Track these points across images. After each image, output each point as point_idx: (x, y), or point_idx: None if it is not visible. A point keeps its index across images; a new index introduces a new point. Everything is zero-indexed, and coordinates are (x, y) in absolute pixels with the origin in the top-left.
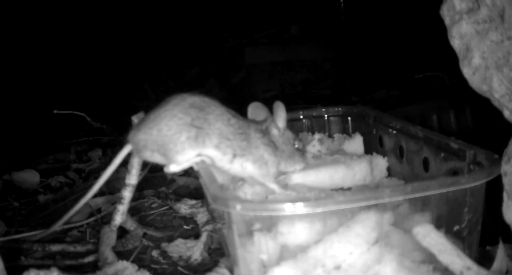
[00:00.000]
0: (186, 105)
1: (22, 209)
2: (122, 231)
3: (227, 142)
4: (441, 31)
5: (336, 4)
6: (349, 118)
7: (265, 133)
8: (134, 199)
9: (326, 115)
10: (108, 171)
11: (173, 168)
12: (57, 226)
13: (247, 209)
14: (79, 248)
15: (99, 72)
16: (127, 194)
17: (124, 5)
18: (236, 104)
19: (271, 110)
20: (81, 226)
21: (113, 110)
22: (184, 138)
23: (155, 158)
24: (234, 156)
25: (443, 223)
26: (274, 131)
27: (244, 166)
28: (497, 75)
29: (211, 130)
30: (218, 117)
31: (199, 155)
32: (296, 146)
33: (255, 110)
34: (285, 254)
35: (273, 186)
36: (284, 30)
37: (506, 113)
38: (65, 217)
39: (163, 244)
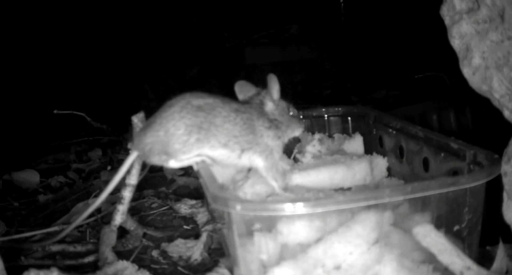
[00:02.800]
0: (194, 108)
1: (22, 209)
2: (122, 231)
3: (234, 139)
4: (441, 31)
5: (336, 4)
6: (349, 118)
7: (263, 112)
8: (134, 199)
9: (326, 115)
10: (115, 180)
11: (172, 164)
12: (61, 236)
13: (247, 209)
14: (79, 248)
15: (99, 72)
16: (127, 194)
17: (124, 5)
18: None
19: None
20: (81, 226)
21: (113, 110)
22: (194, 140)
23: (162, 161)
24: (242, 150)
25: (443, 223)
26: (269, 104)
27: (252, 159)
28: (497, 75)
29: (218, 132)
30: (225, 118)
31: (199, 154)
32: (291, 113)
33: (242, 87)
34: (285, 254)
35: (274, 184)
36: (284, 30)
37: (506, 113)
38: (70, 227)
39: (163, 244)
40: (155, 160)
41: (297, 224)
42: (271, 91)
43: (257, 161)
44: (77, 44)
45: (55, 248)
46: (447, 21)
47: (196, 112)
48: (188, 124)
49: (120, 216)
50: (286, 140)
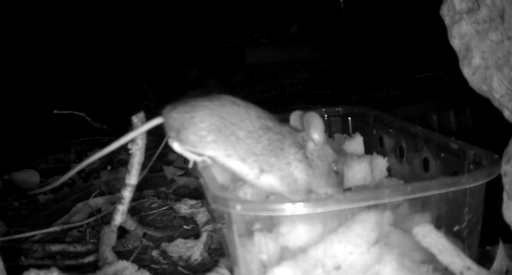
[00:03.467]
0: (228, 113)
1: (22, 209)
2: (122, 231)
3: (253, 157)
4: (441, 31)
5: (336, 4)
6: (349, 118)
7: (302, 146)
8: (134, 199)
9: (326, 115)
10: (130, 135)
11: (176, 147)
12: (65, 179)
13: (247, 209)
14: (79, 248)
15: (99, 72)
16: (127, 194)
17: (124, 5)
18: None
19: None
20: (81, 226)
21: (113, 110)
22: (211, 139)
23: (173, 137)
24: (262, 171)
25: (443, 223)
26: (310, 144)
27: (271, 184)
28: (497, 75)
29: (238, 144)
30: (248, 134)
31: (201, 154)
32: (335, 168)
33: (297, 119)
34: (285, 254)
35: None
36: (284, 30)
37: (506, 113)
38: (80, 166)
39: (163, 244)
40: (172, 135)
41: (297, 224)
42: (311, 130)
43: (277, 186)
44: (77, 44)
45: (55, 248)
46: (447, 21)
47: (224, 116)
48: (213, 122)
49: (120, 216)
50: (314, 189)
